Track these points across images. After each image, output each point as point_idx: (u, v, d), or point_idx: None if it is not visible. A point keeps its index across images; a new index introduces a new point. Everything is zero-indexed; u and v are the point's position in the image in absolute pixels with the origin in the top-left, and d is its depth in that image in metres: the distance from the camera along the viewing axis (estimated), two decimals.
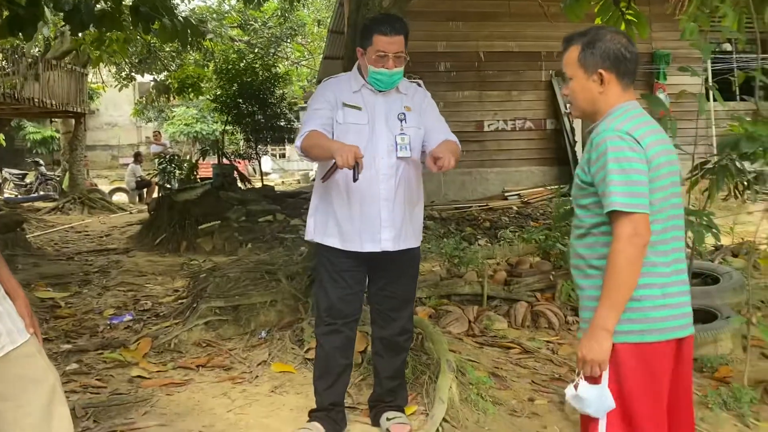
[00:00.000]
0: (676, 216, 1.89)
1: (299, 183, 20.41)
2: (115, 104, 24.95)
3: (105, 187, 17.26)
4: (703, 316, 4.14)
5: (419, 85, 2.88)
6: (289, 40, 16.66)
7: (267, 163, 15.57)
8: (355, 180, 2.47)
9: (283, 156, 26.59)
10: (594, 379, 1.81)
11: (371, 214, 2.66)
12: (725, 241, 5.96)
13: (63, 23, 11.18)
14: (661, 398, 1.83)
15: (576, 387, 1.83)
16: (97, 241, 9.04)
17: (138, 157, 16.11)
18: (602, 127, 1.86)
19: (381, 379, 2.92)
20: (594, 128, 1.91)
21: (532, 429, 2.96)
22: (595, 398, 1.80)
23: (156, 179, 14.09)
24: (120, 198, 15.67)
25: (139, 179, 15.63)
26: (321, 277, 2.83)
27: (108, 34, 8.07)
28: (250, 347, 4.04)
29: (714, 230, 4.33)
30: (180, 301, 5.13)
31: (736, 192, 4.73)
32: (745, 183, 4.56)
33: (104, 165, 24.38)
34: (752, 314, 3.86)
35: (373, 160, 2.65)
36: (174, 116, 23.28)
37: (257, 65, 11.31)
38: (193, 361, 3.81)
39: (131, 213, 12.81)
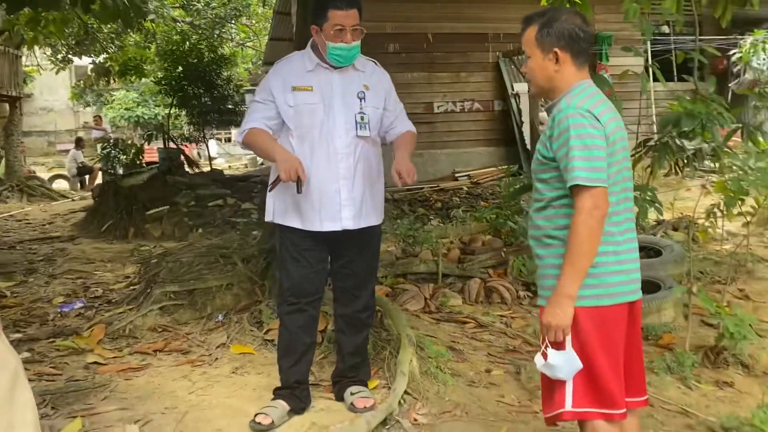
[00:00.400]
0: (627, 189, 2.01)
1: (246, 167, 20.10)
2: (51, 88, 23.92)
3: (44, 174, 16.62)
4: (647, 286, 4.32)
5: (376, 63, 2.90)
6: (233, 21, 16.28)
7: (213, 147, 15.26)
8: (298, 192, 2.59)
9: (229, 140, 26.14)
10: (558, 345, 1.90)
11: (331, 194, 2.67)
12: (666, 216, 6.23)
13: None
14: (618, 356, 1.95)
15: (545, 356, 1.92)
16: (40, 229, 8.73)
17: (79, 143, 15.57)
18: (563, 105, 1.94)
19: (344, 355, 2.96)
20: (553, 105, 2.00)
21: (490, 398, 3.05)
22: (564, 363, 1.89)
23: (98, 165, 13.70)
24: (60, 185, 15.11)
25: (80, 165, 15.11)
26: (283, 257, 2.84)
27: (44, 14, 7.74)
28: (208, 331, 4.02)
29: (657, 205, 4.53)
30: (132, 287, 5.04)
31: (677, 168, 4.95)
32: (685, 160, 4.78)
33: (41, 152, 23.41)
34: (693, 284, 4.07)
35: (331, 139, 2.67)
36: (113, 100, 22.52)
37: (202, 46, 11.03)
38: (149, 346, 3.77)
39: (73, 200, 12.38)
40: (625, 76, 4.29)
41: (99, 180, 14.05)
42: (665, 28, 11.06)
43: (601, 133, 1.88)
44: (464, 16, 10.32)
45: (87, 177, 15.16)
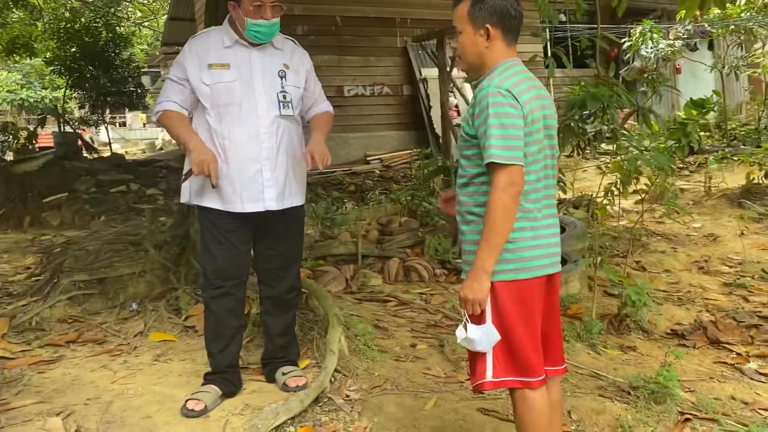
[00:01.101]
0: (549, 167, 2.06)
1: (144, 153, 19.25)
2: None
3: None
4: None
5: (295, 42, 2.87)
6: None
7: (105, 132, 14.47)
8: (213, 187, 2.58)
9: (123, 125, 24.95)
10: (477, 318, 1.97)
11: (252, 174, 2.63)
12: (567, 195, 6.60)
13: None
14: (536, 327, 2.03)
15: (465, 329, 1.97)
16: None
17: None
18: (485, 84, 1.97)
19: (272, 336, 2.94)
20: (479, 83, 2.04)
21: (417, 371, 3.15)
22: (482, 336, 1.95)
23: None
24: None
25: None
26: (205, 240, 2.76)
27: None
28: (122, 320, 3.87)
29: (561, 184, 4.79)
30: (34, 278, 4.74)
31: (578, 149, 5.24)
32: (586, 141, 5.07)
33: None
34: (596, 258, 4.36)
35: (252, 118, 2.62)
36: None
37: (99, 24, 10.41)
38: (60, 337, 3.58)
39: None
40: (533, 62, 4.48)
41: None
42: (562, 17, 11.62)
43: (519, 112, 1.91)
44: (373, 1, 10.36)
45: None
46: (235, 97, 2.61)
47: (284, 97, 2.69)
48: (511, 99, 1.92)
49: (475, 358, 2.02)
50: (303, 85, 2.79)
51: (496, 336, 1.96)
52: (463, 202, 2.07)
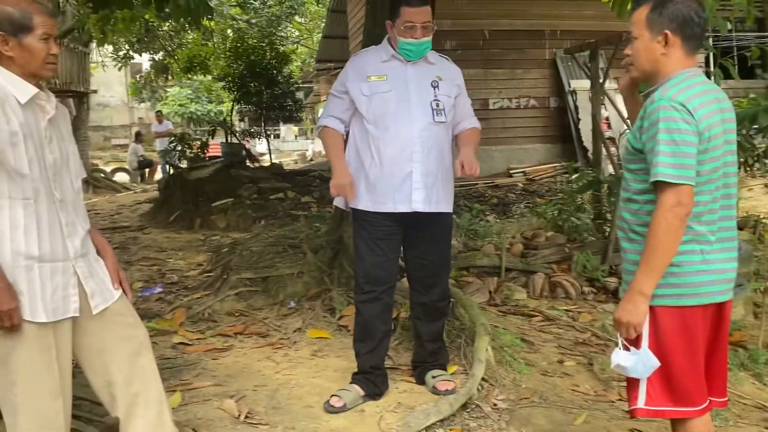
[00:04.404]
0: (728, 186, 1.91)
1: (296, 163, 20.39)
2: (107, 85, 24.76)
3: (104, 167, 17.25)
4: None
5: (448, 60, 2.99)
6: (288, 19, 16.59)
7: (263, 143, 15.57)
8: (346, 208, 2.84)
9: (278, 137, 26.56)
10: (632, 342, 1.87)
11: (403, 177, 2.76)
12: None
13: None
14: (698, 354, 1.90)
15: (619, 355, 1.89)
16: (109, 219, 9.12)
17: (139, 137, 16.12)
18: (657, 96, 1.85)
19: (422, 342, 3.05)
20: (649, 94, 1.93)
21: (565, 387, 3.12)
22: (637, 362, 1.86)
23: (158, 158, 14.17)
24: (121, 178, 15.70)
25: (141, 159, 15.65)
26: (357, 246, 2.91)
27: (116, 12, 8.05)
28: (282, 316, 4.18)
29: None
30: (206, 274, 5.25)
31: (745, 166, 4.90)
32: (755, 157, 4.73)
33: (97, 146, 24.24)
34: (764, 283, 4.05)
35: (406, 125, 2.75)
36: (168, 97, 23.19)
37: (264, 44, 11.33)
38: (229, 329, 3.94)
39: (135, 192, 12.87)
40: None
41: (159, 173, 14.55)
42: (728, 25, 10.82)
43: (693, 128, 1.78)
44: (521, 13, 10.32)
45: (147, 170, 15.69)
46: (391, 105, 2.77)
47: (437, 105, 2.81)
48: (686, 114, 1.79)
49: (630, 382, 1.94)
50: (454, 96, 2.89)
51: (654, 363, 1.86)
52: (626, 219, 1.97)
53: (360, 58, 2.93)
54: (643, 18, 1.90)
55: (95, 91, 16.37)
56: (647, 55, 1.91)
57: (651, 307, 1.87)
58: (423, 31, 2.75)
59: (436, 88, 2.82)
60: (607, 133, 7.82)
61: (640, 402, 1.90)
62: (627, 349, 1.89)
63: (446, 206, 2.90)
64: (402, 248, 2.98)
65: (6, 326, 1.82)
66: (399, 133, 2.76)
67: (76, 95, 13.60)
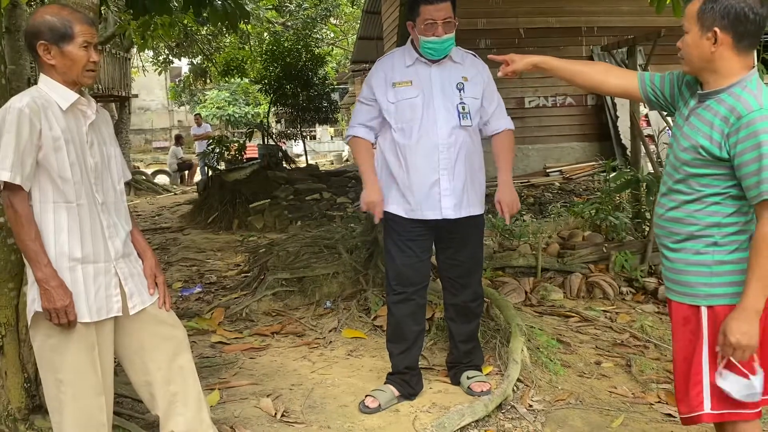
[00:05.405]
0: None
1: (332, 164, 20.56)
2: (148, 89, 25.36)
3: (143, 169, 17.66)
4: None
5: (474, 56, 2.93)
6: (323, 22, 16.73)
7: (299, 144, 15.76)
8: (374, 225, 2.68)
9: (313, 138, 26.79)
10: (746, 364, 1.78)
11: (430, 184, 2.74)
12: None
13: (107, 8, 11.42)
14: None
15: (721, 375, 1.81)
16: (150, 220, 9.33)
17: (179, 140, 16.45)
18: (754, 104, 1.73)
19: (456, 342, 3.04)
20: (712, 94, 1.83)
21: (602, 388, 3.08)
22: (743, 388, 1.80)
23: (197, 161, 14.43)
24: (162, 180, 16.05)
25: (180, 161, 15.97)
26: (388, 247, 2.90)
27: (156, 18, 8.24)
28: (318, 316, 4.22)
29: None
30: (243, 274, 5.34)
31: None
32: None
33: (138, 149, 24.86)
34: None
35: (432, 130, 2.73)
36: (206, 99, 23.62)
37: (300, 46, 11.45)
38: (266, 328, 4.01)
39: (175, 194, 13.13)
40: None
41: (197, 175, 14.83)
42: None
43: None
44: (557, 11, 10.17)
45: (186, 172, 16.00)
46: (417, 111, 2.75)
47: (463, 108, 2.77)
48: None
49: (688, 384, 1.87)
50: (480, 95, 2.84)
51: (759, 388, 1.79)
52: (679, 219, 1.88)
53: (385, 63, 2.88)
54: (694, 12, 1.81)
55: (136, 95, 16.83)
56: (696, 51, 1.82)
57: (710, 307, 1.84)
58: (444, 28, 2.68)
59: (462, 91, 2.79)
60: (646, 131, 7.67)
61: (707, 406, 1.84)
62: (728, 369, 1.81)
63: (477, 209, 2.88)
64: (434, 248, 2.98)
65: (62, 323, 1.88)
66: (425, 141, 2.74)
67: (117, 99, 13.96)
